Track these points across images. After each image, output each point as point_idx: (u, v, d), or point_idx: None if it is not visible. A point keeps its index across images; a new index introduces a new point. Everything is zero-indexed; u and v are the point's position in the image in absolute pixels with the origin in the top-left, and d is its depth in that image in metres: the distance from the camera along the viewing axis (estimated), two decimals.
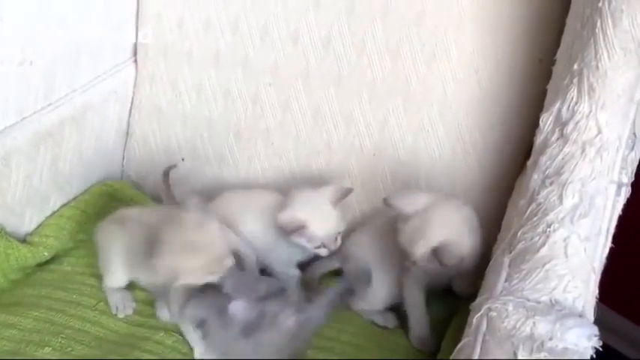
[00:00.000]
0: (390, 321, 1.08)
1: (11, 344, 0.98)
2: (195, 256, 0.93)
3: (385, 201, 1.00)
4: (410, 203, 0.99)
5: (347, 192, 1.08)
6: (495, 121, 1.12)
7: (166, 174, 1.18)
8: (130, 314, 1.06)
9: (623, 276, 1.17)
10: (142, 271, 1.03)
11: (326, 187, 1.09)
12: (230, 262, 0.96)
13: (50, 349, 0.98)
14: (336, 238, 1.07)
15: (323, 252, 1.07)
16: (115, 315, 1.06)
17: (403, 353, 1.03)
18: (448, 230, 0.96)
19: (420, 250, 0.95)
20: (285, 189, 1.12)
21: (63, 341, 0.99)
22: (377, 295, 1.07)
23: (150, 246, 0.95)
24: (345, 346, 1.01)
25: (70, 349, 0.98)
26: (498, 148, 1.13)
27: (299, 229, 1.04)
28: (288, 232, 1.04)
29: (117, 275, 1.08)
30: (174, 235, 0.95)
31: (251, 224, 1.11)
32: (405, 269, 1.00)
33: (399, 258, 1.00)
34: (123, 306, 1.07)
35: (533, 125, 0.97)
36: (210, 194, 1.18)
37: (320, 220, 1.05)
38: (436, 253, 0.94)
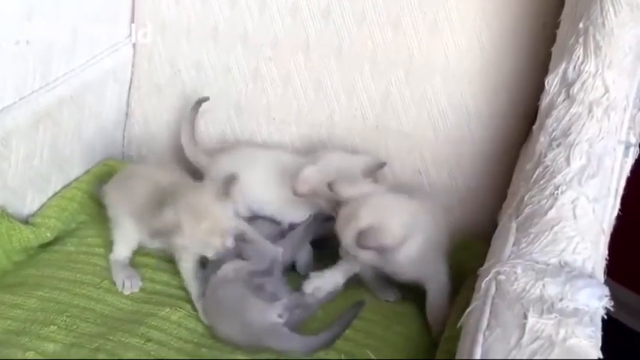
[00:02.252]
0: (391, 295, 1.05)
1: (16, 324, 0.98)
2: (204, 221, 0.95)
3: (329, 185, 0.97)
4: (351, 190, 0.97)
5: (380, 165, 1.05)
6: (500, 88, 1.11)
7: (197, 106, 1.16)
8: (136, 292, 1.06)
9: (631, 249, 1.16)
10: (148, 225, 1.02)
11: (360, 157, 1.07)
12: (230, 243, 0.97)
13: (55, 327, 0.97)
14: None
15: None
16: (121, 292, 1.05)
17: (408, 324, 1.01)
18: (377, 215, 0.93)
19: (349, 233, 0.93)
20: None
21: (68, 319, 0.98)
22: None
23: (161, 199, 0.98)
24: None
25: (75, 326, 0.97)
26: (503, 115, 1.11)
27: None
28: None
29: (127, 232, 1.09)
30: (190, 196, 0.98)
31: (263, 182, 1.11)
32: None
33: None
34: (130, 283, 1.06)
35: (538, 91, 0.96)
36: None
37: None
38: (359, 235, 0.92)
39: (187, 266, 1.03)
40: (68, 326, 0.97)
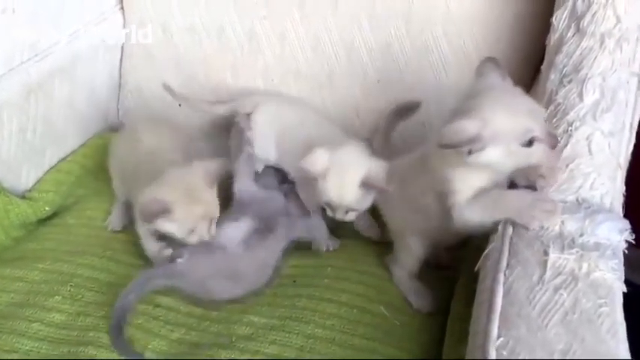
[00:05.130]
0: (424, 304, 0.94)
1: (20, 296, 0.96)
2: (198, 205, 0.92)
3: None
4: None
5: (381, 189, 0.96)
6: (502, 34, 1.08)
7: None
8: (116, 230, 1.10)
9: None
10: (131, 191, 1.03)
11: (370, 163, 0.96)
12: (214, 232, 0.94)
13: (60, 297, 0.95)
14: (347, 212, 0.98)
15: (328, 212, 0.99)
16: (125, 261, 1.03)
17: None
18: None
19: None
20: None
21: (72, 289, 0.97)
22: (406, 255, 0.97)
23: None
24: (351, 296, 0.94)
25: (80, 296, 0.96)
26: (507, 62, 1.06)
27: (311, 179, 0.97)
28: (302, 175, 0.99)
29: (117, 187, 1.11)
30: (184, 178, 0.94)
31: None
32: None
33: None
34: (114, 222, 1.11)
35: (542, 34, 0.93)
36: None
37: (337, 184, 0.96)
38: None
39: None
40: (73, 296, 0.96)
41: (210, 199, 0.95)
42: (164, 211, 0.91)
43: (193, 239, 0.94)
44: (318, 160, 0.96)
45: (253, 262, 0.96)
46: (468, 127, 0.73)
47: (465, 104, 0.77)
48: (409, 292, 0.95)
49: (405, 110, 1.05)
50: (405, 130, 1.09)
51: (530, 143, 0.74)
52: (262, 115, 1.10)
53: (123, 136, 1.13)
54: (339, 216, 0.98)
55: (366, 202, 0.98)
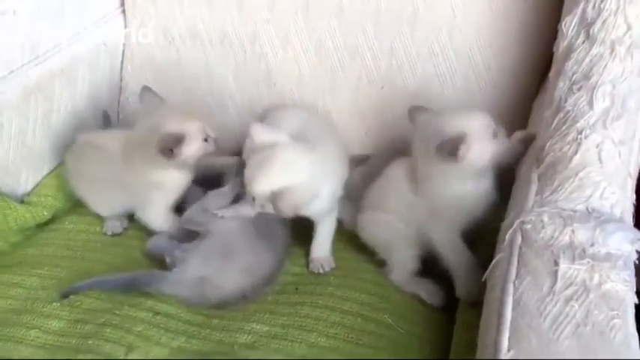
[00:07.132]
0: (436, 298, 0.94)
1: (17, 302, 0.94)
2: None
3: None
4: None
5: (284, 208, 0.89)
6: (509, 41, 1.07)
7: None
8: (117, 233, 1.10)
9: None
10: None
11: (304, 179, 0.90)
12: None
13: (58, 304, 0.94)
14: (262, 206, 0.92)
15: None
16: (125, 268, 1.00)
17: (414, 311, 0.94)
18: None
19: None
20: None
21: (71, 296, 0.95)
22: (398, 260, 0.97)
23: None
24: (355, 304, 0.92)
25: (79, 302, 0.94)
26: (513, 69, 1.08)
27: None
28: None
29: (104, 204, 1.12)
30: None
31: None
32: None
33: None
34: (113, 226, 1.11)
35: (550, 40, 0.93)
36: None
37: (254, 167, 0.90)
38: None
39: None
40: (72, 303, 0.94)
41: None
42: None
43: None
44: (266, 135, 0.91)
45: (250, 244, 0.96)
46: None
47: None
48: (419, 290, 0.95)
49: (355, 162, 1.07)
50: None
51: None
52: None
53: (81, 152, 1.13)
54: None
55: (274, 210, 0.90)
